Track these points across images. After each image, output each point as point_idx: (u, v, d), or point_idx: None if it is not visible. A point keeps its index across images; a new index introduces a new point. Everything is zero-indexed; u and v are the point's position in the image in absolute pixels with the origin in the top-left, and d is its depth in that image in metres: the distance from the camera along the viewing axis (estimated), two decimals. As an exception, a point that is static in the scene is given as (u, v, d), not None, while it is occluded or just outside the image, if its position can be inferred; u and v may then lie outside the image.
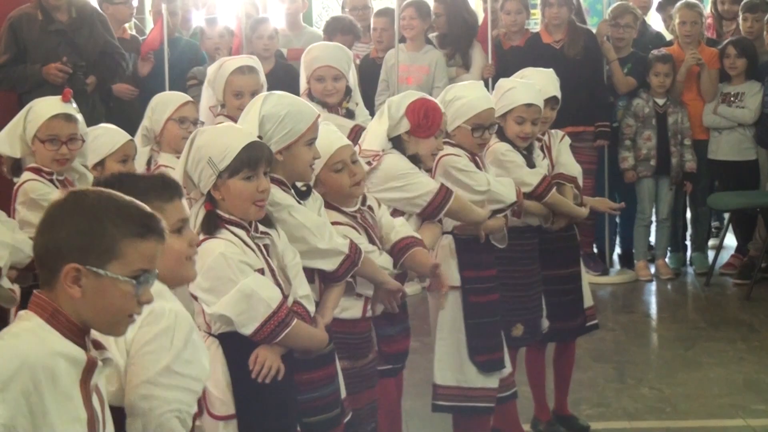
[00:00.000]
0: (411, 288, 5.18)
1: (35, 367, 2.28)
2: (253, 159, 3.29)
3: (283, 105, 3.58)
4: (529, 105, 4.79)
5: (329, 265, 3.60)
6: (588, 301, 5.31)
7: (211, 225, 3.29)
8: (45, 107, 4.28)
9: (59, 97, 4.31)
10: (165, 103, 4.88)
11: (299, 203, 3.61)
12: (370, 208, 3.98)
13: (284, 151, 3.57)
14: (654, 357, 6.60)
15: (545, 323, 5.07)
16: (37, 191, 4.16)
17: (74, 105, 4.32)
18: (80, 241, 2.32)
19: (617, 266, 8.59)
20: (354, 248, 3.63)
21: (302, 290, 3.44)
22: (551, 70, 5.16)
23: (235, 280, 3.21)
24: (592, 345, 6.49)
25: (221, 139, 3.31)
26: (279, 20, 8.22)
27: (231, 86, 4.94)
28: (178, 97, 4.94)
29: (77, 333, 2.36)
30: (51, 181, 4.25)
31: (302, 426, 3.54)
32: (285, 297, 3.35)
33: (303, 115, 3.58)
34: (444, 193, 4.28)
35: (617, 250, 8.76)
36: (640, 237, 8.36)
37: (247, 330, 3.25)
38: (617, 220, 8.66)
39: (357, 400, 3.92)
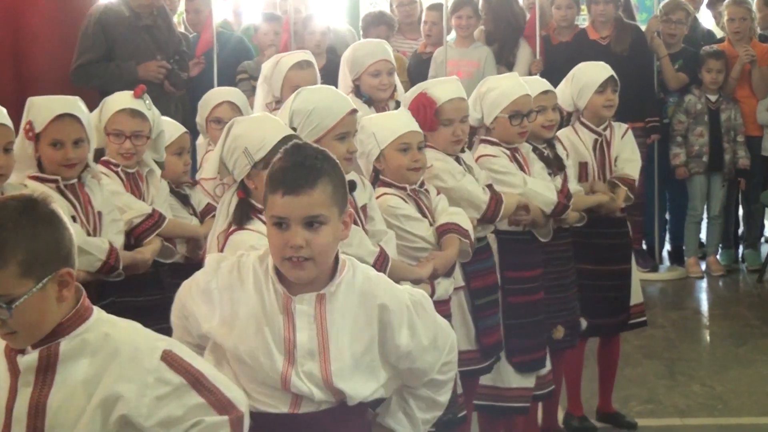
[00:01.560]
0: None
1: None
2: None
3: (311, 100, 3.61)
4: (545, 92, 4.78)
5: None
6: (636, 298, 5.27)
7: (243, 214, 3.31)
8: (115, 101, 4.29)
9: (132, 92, 4.32)
10: (205, 103, 4.97)
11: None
12: (426, 191, 4.06)
13: (316, 144, 3.59)
14: (705, 354, 6.54)
15: (583, 323, 5.03)
16: None
17: (147, 101, 4.31)
18: None
19: (667, 263, 8.54)
20: (381, 260, 3.60)
21: None
22: (602, 62, 5.15)
23: None
24: (642, 342, 6.46)
25: (258, 131, 3.34)
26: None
27: (290, 82, 4.91)
28: (215, 98, 4.97)
29: None
30: (117, 173, 4.26)
31: None
32: None
33: (331, 111, 3.59)
34: (494, 205, 4.27)
35: (667, 246, 8.71)
36: (691, 234, 8.31)
37: None
38: (667, 216, 8.61)
39: None
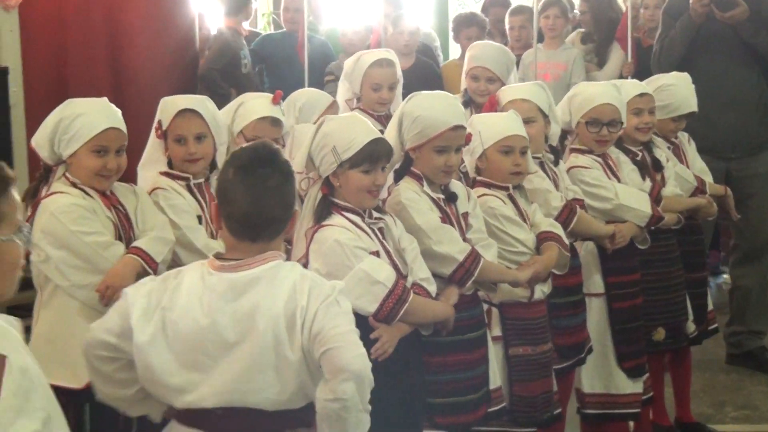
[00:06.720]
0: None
1: (27, 350, 2.20)
2: (375, 154, 3.37)
3: (420, 107, 3.66)
4: (642, 95, 4.75)
5: (443, 269, 3.60)
6: (709, 305, 5.21)
7: (325, 210, 3.38)
8: (255, 107, 4.29)
9: (270, 97, 4.32)
10: (312, 105, 4.79)
11: (440, 203, 3.67)
12: (525, 192, 4.08)
13: (416, 150, 3.66)
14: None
15: (691, 327, 4.98)
16: None
17: (282, 107, 4.33)
18: None
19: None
20: (471, 259, 3.61)
21: (422, 273, 3.48)
22: (687, 75, 5.09)
23: (350, 265, 3.27)
24: (737, 347, 6.35)
25: (348, 131, 3.39)
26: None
27: (369, 79, 4.95)
28: (325, 100, 4.85)
29: None
30: None
31: (429, 406, 3.59)
32: (402, 276, 3.40)
33: (433, 122, 3.62)
34: (567, 213, 4.25)
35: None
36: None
37: (368, 311, 3.30)
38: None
39: (530, 388, 3.96)
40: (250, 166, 2.75)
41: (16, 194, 2.33)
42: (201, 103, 3.95)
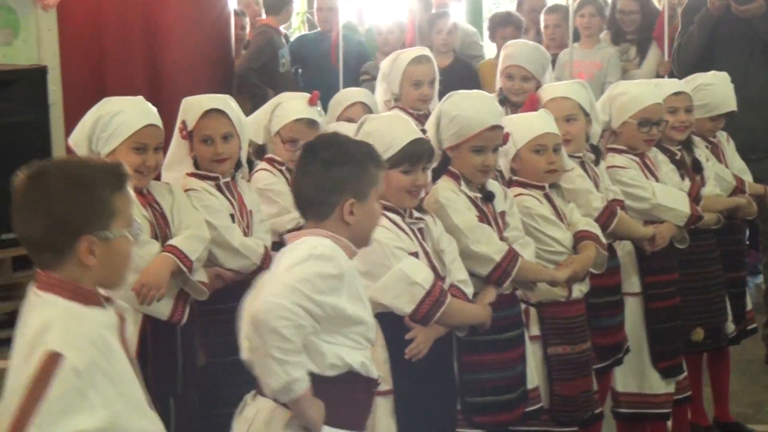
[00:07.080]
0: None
1: (100, 346, 2.32)
2: (415, 155, 3.37)
3: (458, 106, 3.66)
4: (677, 93, 4.72)
5: (481, 269, 3.60)
6: (747, 304, 5.16)
7: None
8: (292, 108, 4.31)
9: (307, 98, 4.33)
10: (337, 103, 4.90)
11: (477, 203, 3.66)
12: (561, 191, 4.06)
13: (454, 149, 3.65)
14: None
15: (730, 327, 4.94)
16: (264, 181, 4.22)
17: (319, 108, 4.35)
18: (81, 212, 2.34)
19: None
20: (509, 259, 3.61)
21: (460, 275, 3.48)
22: (726, 75, 5.05)
23: (389, 265, 3.28)
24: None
25: (389, 131, 3.39)
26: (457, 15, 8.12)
27: (409, 76, 4.94)
28: (348, 98, 4.92)
29: (98, 299, 2.40)
30: (281, 171, 4.28)
31: (466, 405, 3.59)
32: (440, 278, 3.39)
33: (471, 122, 3.62)
34: (608, 214, 4.22)
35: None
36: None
37: (404, 312, 3.31)
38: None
39: (570, 387, 3.95)
40: (303, 152, 2.98)
41: (130, 191, 2.46)
42: (225, 102, 3.96)
